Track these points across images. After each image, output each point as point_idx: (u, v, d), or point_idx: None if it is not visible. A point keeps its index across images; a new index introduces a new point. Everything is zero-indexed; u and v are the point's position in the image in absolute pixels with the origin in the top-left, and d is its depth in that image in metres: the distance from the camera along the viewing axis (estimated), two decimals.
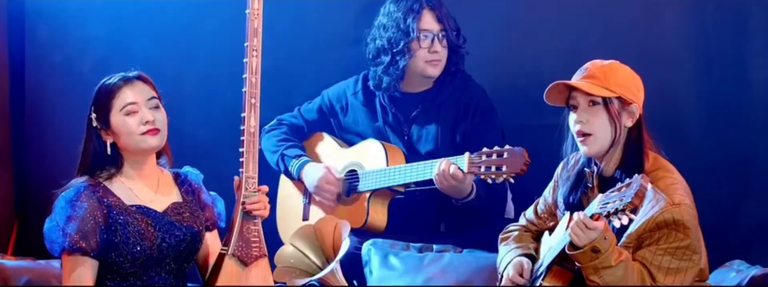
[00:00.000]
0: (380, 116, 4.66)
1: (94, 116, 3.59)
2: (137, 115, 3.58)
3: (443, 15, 4.54)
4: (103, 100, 3.59)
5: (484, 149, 4.12)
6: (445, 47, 4.55)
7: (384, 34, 4.59)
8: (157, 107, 3.62)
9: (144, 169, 3.65)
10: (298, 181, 4.68)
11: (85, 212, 3.51)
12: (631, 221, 3.44)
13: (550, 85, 3.73)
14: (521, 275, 3.78)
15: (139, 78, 3.63)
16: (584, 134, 3.70)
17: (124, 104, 3.57)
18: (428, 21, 4.53)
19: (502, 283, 3.84)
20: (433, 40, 4.52)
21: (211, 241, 3.76)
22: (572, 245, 3.52)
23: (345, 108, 4.75)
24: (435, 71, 4.55)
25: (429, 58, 4.53)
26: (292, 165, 4.64)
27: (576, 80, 3.72)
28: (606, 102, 3.67)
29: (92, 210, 3.52)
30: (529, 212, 4.06)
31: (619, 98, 3.67)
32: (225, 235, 3.70)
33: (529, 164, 4.01)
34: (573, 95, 3.73)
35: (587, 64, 3.75)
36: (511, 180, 4.07)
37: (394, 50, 4.56)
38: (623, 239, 3.61)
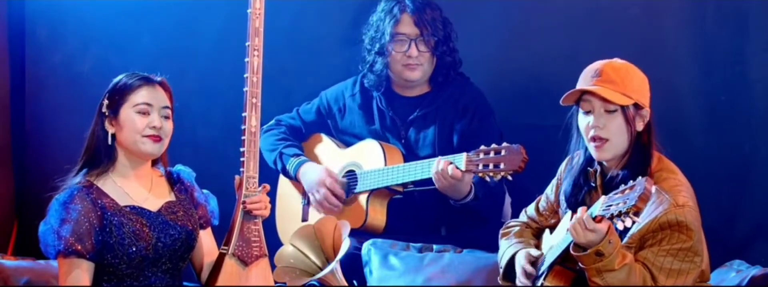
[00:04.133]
0: (377, 119, 4.65)
1: (106, 102, 3.60)
2: (147, 117, 3.59)
3: (425, 20, 4.50)
4: (120, 90, 3.60)
5: (482, 147, 4.12)
6: (426, 52, 4.52)
7: (368, 33, 4.61)
8: (167, 117, 3.63)
9: (139, 170, 3.66)
10: (294, 180, 4.68)
11: (79, 214, 3.51)
12: (633, 223, 3.43)
13: (570, 91, 3.68)
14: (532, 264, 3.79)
15: (160, 84, 3.65)
16: (599, 139, 3.67)
17: (139, 102, 3.58)
18: (406, 25, 4.52)
19: (518, 275, 3.83)
20: (409, 45, 4.51)
21: (205, 239, 3.76)
22: (577, 246, 3.51)
23: (343, 110, 4.74)
24: (412, 75, 4.54)
25: (405, 62, 4.53)
26: (290, 164, 4.63)
27: (591, 83, 3.67)
28: (622, 108, 3.65)
29: (86, 212, 3.52)
30: (531, 209, 4.05)
31: (635, 104, 3.65)
32: (222, 233, 3.70)
33: (527, 162, 4.01)
34: (586, 98, 3.69)
35: (599, 66, 3.70)
36: (510, 178, 4.06)
37: (373, 51, 4.57)
38: (626, 239, 3.60)
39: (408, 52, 4.50)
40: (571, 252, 3.52)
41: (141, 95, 3.59)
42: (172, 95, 3.67)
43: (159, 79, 3.66)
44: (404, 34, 4.51)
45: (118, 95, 3.60)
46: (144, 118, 3.58)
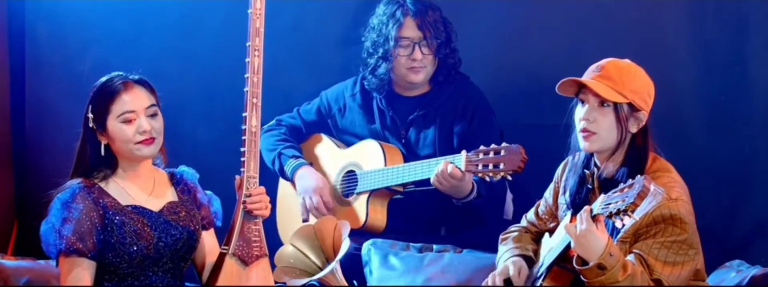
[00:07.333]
0: (378, 118, 4.66)
1: (91, 116, 3.58)
2: (134, 123, 3.56)
3: (428, 22, 4.50)
4: (102, 102, 3.57)
5: (482, 148, 4.12)
6: (429, 55, 4.52)
7: (369, 36, 4.61)
8: (154, 115, 3.61)
9: (139, 170, 3.65)
10: (290, 181, 4.68)
11: (81, 213, 3.51)
12: (632, 221, 3.44)
13: (564, 79, 3.71)
14: (519, 274, 3.78)
15: (140, 83, 3.61)
16: (588, 132, 3.69)
17: (123, 112, 3.56)
18: (409, 29, 4.51)
19: (495, 280, 3.83)
20: (413, 48, 4.50)
21: (208, 240, 3.76)
22: (580, 259, 3.51)
23: (343, 110, 4.74)
24: (417, 78, 4.54)
25: (409, 65, 4.52)
26: (288, 165, 4.63)
27: (590, 77, 3.70)
28: (616, 106, 3.66)
29: (88, 211, 3.52)
30: (530, 214, 4.06)
31: (630, 104, 3.67)
32: (224, 234, 3.70)
33: (527, 161, 4.01)
34: (584, 90, 3.71)
35: (603, 62, 3.72)
36: (509, 178, 4.06)
37: (376, 55, 4.56)
38: (620, 233, 3.60)
39: (412, 55, 4.50)
40: (575, 266, 3.52)
41: (122, 103, 3.56)
42: (154, 90, 3.64)
43: (136, 78, 3.62)
44: (408, 38, 4.50)
45: (100, 108, 3.57)
46: (131, 125, 3.56)
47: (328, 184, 4.59)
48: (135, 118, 3.57)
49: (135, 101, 3.58)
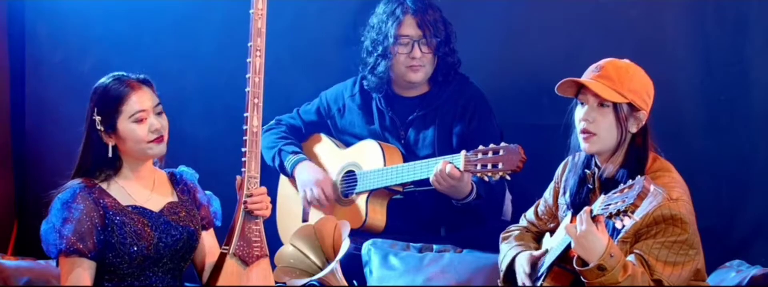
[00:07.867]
0: (377, 118, 4.66)
1: (98, 118, 3.57)
2: (146, 122, 3.57)
3: (427, 21, 4.50)
4: (111, 104, 3.57)
5: (480, 147, 4.12)
6: (429, 53, 4.53)
7: (368, 35, 4.61)
8: (160, 113, 3.62)
9: (141, 170, 3.65)
10: (290, 177, 4.68)
11: (81, 213, 3.51)
12: (632, 222, 3.44)
13: (563, 80, 3.71)
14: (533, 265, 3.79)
15: (144, 82, 3.62)
16: (588, 133, 3.70)
17: (135, 112, 3.56)
18: (408, 27, 4.51)
19: (520, 278, 3.82)
20: (412, 46, 4.51)
21: (207, 240, 3.76)
22: (581, 260, 3.52)
23: (342, 110, 4.74)
24: (416, 77, 4.54)
25: (408, 64, 4.52)
26: (288, 160, 4.63)
27: (589, 77, 3.70)
28: (616, 106, 3.67)
29: (88, 211, 3.52)
30: (530, 214, 4.06)
31: (629, 104, 3.67)
32: (224, 234, 3.70)
33: (525, 161, 4.01)
34: (583, 91, 3.72)
35: (602, 62, 3.73)
36: (508, 177, 4.06)
37: (375, 53, 4.56)
38: (621, 234, 3.61)
39: (411, 53, 4.50)
40: (575, 266, 3.53)
41: (133, 103, 3.57)
42: (154, 88, 3.64)
43: (141, 77, 3.63)
44: (407, 36, 4.51)
45: (110, 109, 3.57)
46: (143, 125, 3.57)
47: (329, 177, 4.59)
48: (146, 117, 3.58)
49: (144, 100, 3.59)
